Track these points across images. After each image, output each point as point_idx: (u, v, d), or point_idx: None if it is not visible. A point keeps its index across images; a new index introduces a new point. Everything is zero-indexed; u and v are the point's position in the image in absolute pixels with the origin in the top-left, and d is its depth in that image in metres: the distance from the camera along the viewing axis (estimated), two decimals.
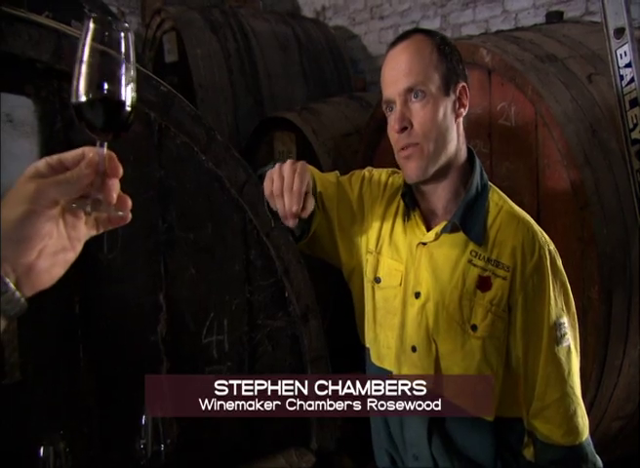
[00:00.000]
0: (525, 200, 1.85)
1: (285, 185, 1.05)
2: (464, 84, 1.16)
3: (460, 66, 1.16)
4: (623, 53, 1.65)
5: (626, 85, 1.66)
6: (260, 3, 4.43)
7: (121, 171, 0.63)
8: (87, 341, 1.04)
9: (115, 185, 0.63)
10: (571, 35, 1.96)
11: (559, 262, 1.15)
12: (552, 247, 1.15)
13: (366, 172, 1.33)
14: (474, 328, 1.12)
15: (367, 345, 1.30)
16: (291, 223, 1.07)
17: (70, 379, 1.03)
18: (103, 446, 1.06)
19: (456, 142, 1.15)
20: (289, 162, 1.08)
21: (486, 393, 1.13)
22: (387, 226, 1.24)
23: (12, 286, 0.57)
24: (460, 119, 1.16)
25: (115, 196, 0.63)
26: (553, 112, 1.68)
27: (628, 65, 1.64)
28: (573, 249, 1.69)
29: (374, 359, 1.26)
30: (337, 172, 1.36)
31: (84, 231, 0.65)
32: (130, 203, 0.66)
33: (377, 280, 1.24)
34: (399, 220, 1.23)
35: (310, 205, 1.07)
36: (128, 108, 0.62)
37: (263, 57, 3.67)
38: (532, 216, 1.21)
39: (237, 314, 1.20)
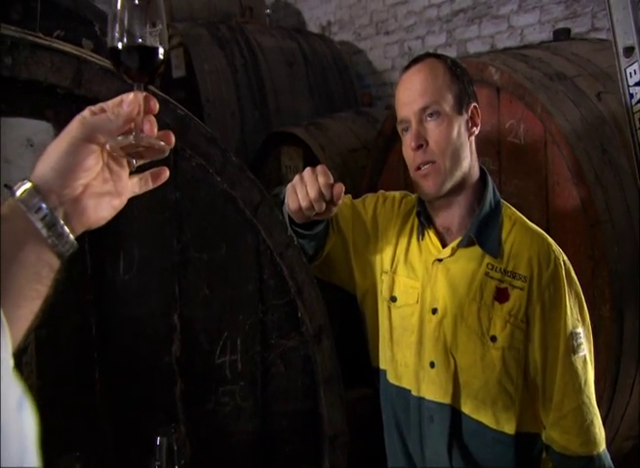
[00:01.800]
0: (534, 217, 1.85)
1: (306, 178, 1.07)
2: (476, 104, 1.21)
3: (470, 87, 1.20)
4: (633, 71, 1.67)
5: (636, 103, 1.67)
6: (266, 19, 4.48)
7: (157, 105, 0.66)
8: (103, 363, 1.05)
9: (154, 121, 0.66)
10: (579, 53, 1.98)
11: (573, 273, 1.17)
12: (566, 258, 1.18)
13: (379, 194, 1.37)
14: (494, 339, 1.14)
15: (382, 366, 1.31)
16: (317, 207, 1.06)
17: (86, 400, 1.04)
18: (118, 466, 1.06)
19: (469, 160, 1.18)
20: (307, 170, 1.10)
21: (506, 406, 1.14)
22: (402, 246, 1.26)
23: (60, 219, 0.59)
24: (473, 137, 1.20)
25: (155, 129, 0.66)
26: (563, 130, 1.70)
27: (638, 84, 1.66)
28: (583, 267, 1.69)
29: (391, 379, 1.27)
30: (349, 195, 1.38)
31: (128, 183, 0.69)
32: (173, 137, 0.68)
33: (393, 299, 1.26)
34: (414, 240, 1.25)
35: (339, 191, 1.06)
36: (160, 56, 0.66)
37: (270, 72, 3.71)
38: None
39: (250, 334, 1.21)
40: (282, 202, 1.20)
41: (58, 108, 0.95)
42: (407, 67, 1.19)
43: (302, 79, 3.80)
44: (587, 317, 1.18)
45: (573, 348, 1.13)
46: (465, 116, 1.17)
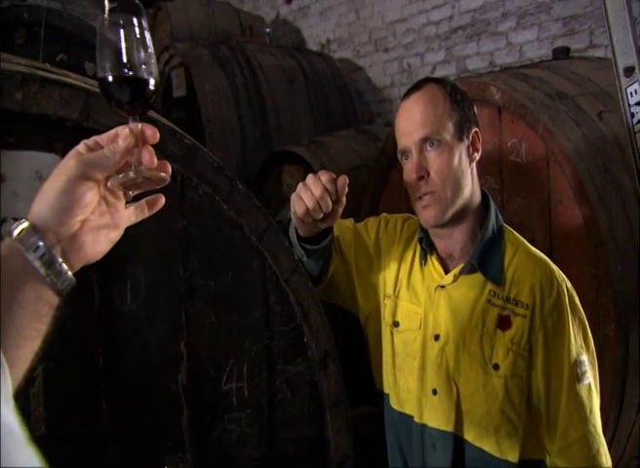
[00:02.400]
0: (537, 236, 1.87)
1: (309, 182, 1.08)
2: (476, 129, 1.20)
3: (471, 112, 1.20)
4: (634, 91, 1.69)
5: (637, 123, 1.69)
6: (266, 37, 4.53)
7: (158, 134, 0.67)
8: (109, 392, 1.05)
9: (153, 152, 0.67)
10: (579, 72, 2.01)
11: (577, 300, 1.17)
12: (569, 285, 1.17)
13: (381, 218, 1.37)
14: (496, 367, 1.13)
15: (385, 391, 1.31)
16: (324, 206, 1.06)
17: (93, 430, 1.04)
18: None
19: (471, 186, 1.18)
20: (311, 176, 1.12)
21: (509, 434, 1.14)
22: (405, 271, 1.26)
23: (58, 257, 0.60)
24: (474, 163, 1.20)
25: (155, 160, 0.67)
26: (565, 150, 1.71)
27: (639, 103, 1.68)
28: (587, 286, 1.70)
29: (394, 404, 1.27)
30: (352, 219, 1.39)
31: (125, 214, 0.70)
32: (169, 167, 0.69)
33: (395, 324, 1.26)
34: (416, 265, 1.25)
35: (344, 183, 1.08)
36: (152, 87, 0.67)
37: (271, 90, 3.74)
38: (544, 253, 1.23)
39: (257, 360, 1.21)
40: (286, 227, 1.21)
41: (66, 141, 0.96)
42: (406, 95, 1.19)
43: (303, 97, 3.84)
44: (592, 343, 1.17)
45: (577, 376, 1.12)
46: (466, 142, 1.17)
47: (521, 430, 1.14)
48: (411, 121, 1.15)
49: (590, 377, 1.14)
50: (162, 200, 0.74)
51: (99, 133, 0.98)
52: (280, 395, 1.24)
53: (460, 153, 1.15)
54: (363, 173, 2.84)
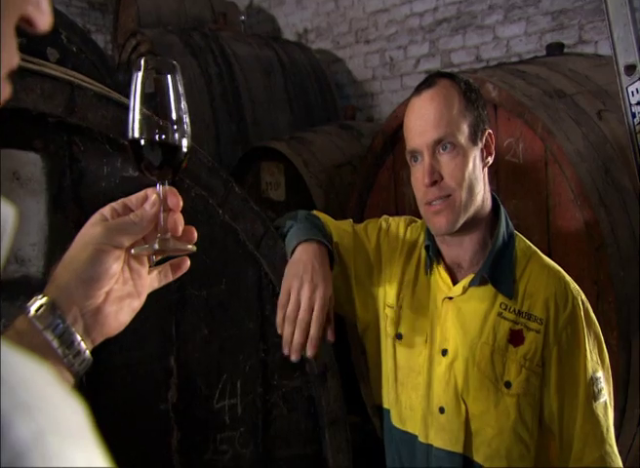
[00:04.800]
0: (535, 239, 1.86)
1: (300, 315, 1.05)
2: (490, 130, 1.17)
3: (484, 112, 1.17)
4: (635, 90, 1.70)
5: (638, 123, 1.70)
6: (241, 25, 4.46)
7: (181, 203, 0.67)
8: (95, 414, 1.00)
9: (180, 219, 0.66)
10: (576, 69, 2.02)
11: (592, 313, 1.15)
12: (584, 297, 1.16)
13: (382, 221, 1.33)
14: (508, 385, 1.12)
15: (385, 406, 1.28)
16: (293, 358, 1.06)
17: None
18: None
19: (483, 192, 1.15)
20: (308, 286, 1.07)
21: (522, 456, 1.12)
22: (409, 279, 1.24)
23: (78, 335, 0.58)
24: (486, 168, 1.17)
25: (181, 229, 0.66)
26: (565, 150, 1.71)
27: None
28: (588, 292, 1.67)
29: (395, 422, 1.24)
30: (350, 220, 1.35)
31: (147, 280, 0.68)
32: (195, 233, 0.69)
33: (398, 336, 1.23)
34: (421, 273, 1.23)
35: (326, 335, 1.08)
36: (184, 150, 0.66)
37: (246, 82, 3.68)
38: None
39: (251, 375, 1.18)
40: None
41: (47, 138, 0.91)
42: (418, 91, 1.15)
43: (280, 89, 3.79)
44: (607, 358, 1.16)
45: (594, 394, 1.11)
46: (480, 145, 1.14)
47: (533, 451, 1.12)
48: (423, 120, 1.11)
49: (606, 394, 1.13)
50: (187, 263, 0.72)
51: (85, 130, 0.93)
52: (275, 412, 1.21)
53: (475, 157, 1.12)
54: (347, 171, 2.82)
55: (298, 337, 1.04)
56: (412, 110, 1.15)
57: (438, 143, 1.10)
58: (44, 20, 0.38)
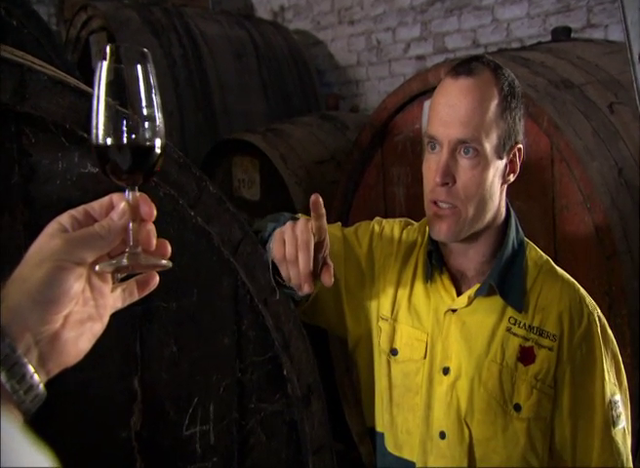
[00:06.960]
0: (539, 246, 1.89)
1: (299, 244, 1.03)
2: (520, 145, 1.16)
3: (521, 123, 1.15)
4: None
5: None
6: (209, 2, 4.46)
7: (155, 212, 0.65)
8: (46, 442, 0.99)
9: (153, 231, 0.64)
10: (585, 57, 2.06)
11: (609, 330, 1.18)
12: (600, 312, 1.18)
13: (375, 224, 1.33)
14: (517, 407, 1.13)
15: (378, 429, 1.29)
16: (306, 289, 1.02)
17: None
18: None
19: (495, 210, 1.16)
20: (303, 220, 1.07)
21: None
22: (405, 288, 1.25)
23: (30, 366, 0.55)
24: (505, 185, 1.17)
25: (154, 242, 0.64)
26: (574, 147, 1.75)
27: None
28: (598, 305, 1.73)
29: (389, 447, 1.25)
30: (339, 223, 1.36)
31: (111, 299, 0.66)
32: (169, 247, 0.67)
33: (393, 352, 1.24)
34: (419, 282, 1.24)
35: (330, 270, 1.05)
36: (158, 150, 0.64)
37: (215, 65, 3.68)
38: None
39: (225, 398, 1.18)
40: (266, 240, 1.17)
41: None
42: (455, 72, 1.11)
43: (254, 74, 3.80)
44: (625, 379, 1.18)
45: (612, 420, 1.13)
46: (505, 160, 1.13)
47: None
48: (452, 110, 1.09)
49: (624, 420, 1.15)
50: (156, 279, 0.70)
51: (37, 120, 0.92)
52: (253, 439, 1.22)
53: (496, 171, 1.12)
54: (330, 167, 2.83)
55: (304, 264, 1.00)
56: (442, 92, 1.13)
57: (461, 143, 1.09)
58: None
